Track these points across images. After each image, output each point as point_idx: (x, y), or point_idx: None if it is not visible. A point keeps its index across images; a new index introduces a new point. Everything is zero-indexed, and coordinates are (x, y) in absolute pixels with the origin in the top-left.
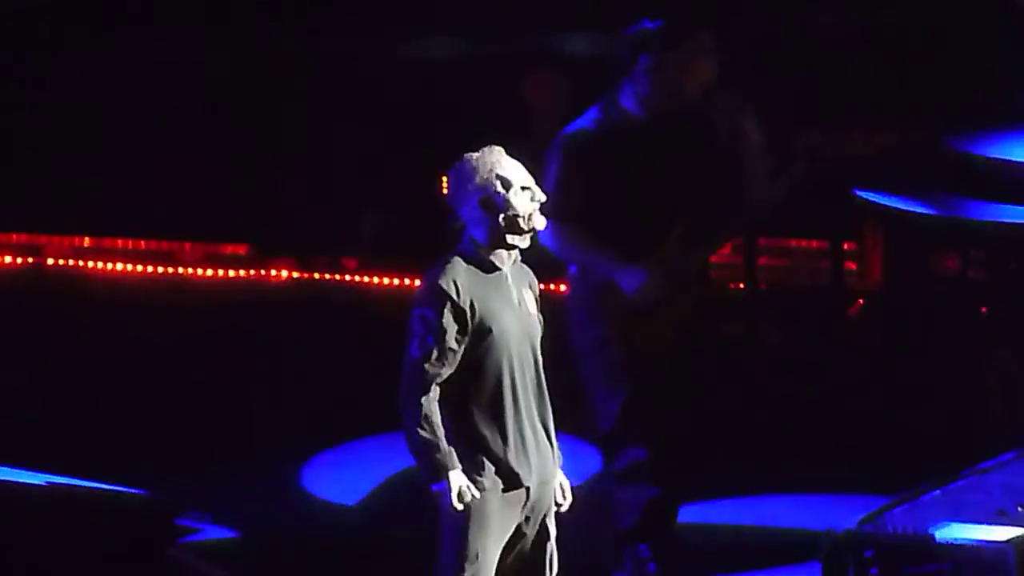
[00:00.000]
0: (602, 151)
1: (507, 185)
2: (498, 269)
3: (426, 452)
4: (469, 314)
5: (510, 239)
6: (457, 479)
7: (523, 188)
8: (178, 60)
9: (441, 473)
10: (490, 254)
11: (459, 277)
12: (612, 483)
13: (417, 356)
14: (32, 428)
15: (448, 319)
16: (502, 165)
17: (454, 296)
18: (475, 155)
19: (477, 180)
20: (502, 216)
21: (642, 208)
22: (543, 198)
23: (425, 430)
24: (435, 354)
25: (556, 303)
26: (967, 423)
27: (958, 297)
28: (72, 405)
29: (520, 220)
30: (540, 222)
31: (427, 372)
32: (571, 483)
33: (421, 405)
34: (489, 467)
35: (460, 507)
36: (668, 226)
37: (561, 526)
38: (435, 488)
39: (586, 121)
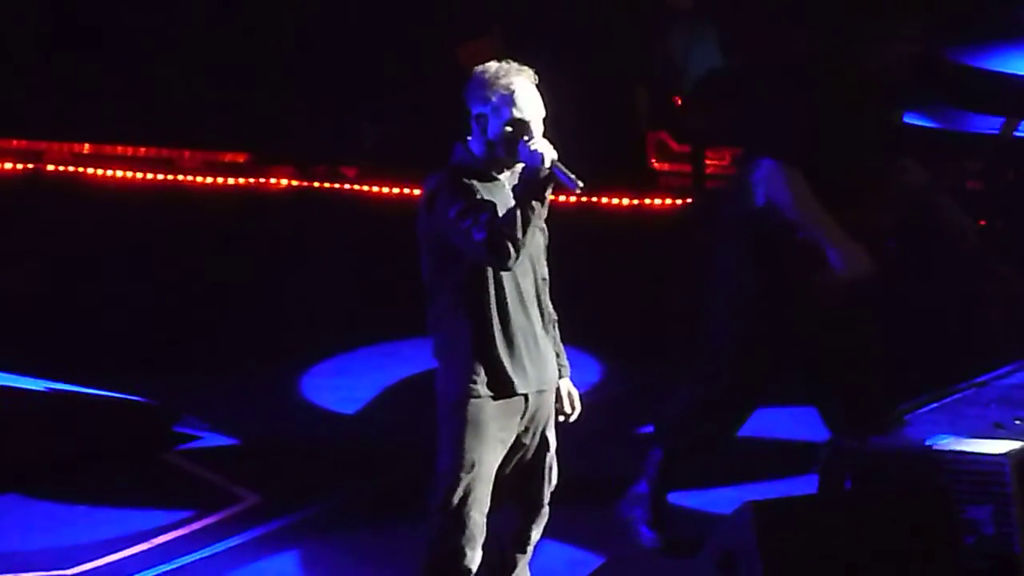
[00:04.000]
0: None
1: (502, 112)
2: (495, 178)
3: (520, 210)
4: None
5: (494, 163)
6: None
7: (519, 120)
8: None
9: (536, 181)
10: (484, 166)
11: (465, 178)
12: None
13: (483, 236)
14: (32, 335)
15: (478, 195)
16: (510, 89)
17: (473, 183)
18: (492, 68)
19: (481, 95)
20: (489, 140)
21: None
22: (538, 134)
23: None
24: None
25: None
26: (965, 336)
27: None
28: (71, 312)
29: (501, 149)
30: (533, 156)
31: (495, 234)
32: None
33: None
34: (484, 374)
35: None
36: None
37: (562, 437)
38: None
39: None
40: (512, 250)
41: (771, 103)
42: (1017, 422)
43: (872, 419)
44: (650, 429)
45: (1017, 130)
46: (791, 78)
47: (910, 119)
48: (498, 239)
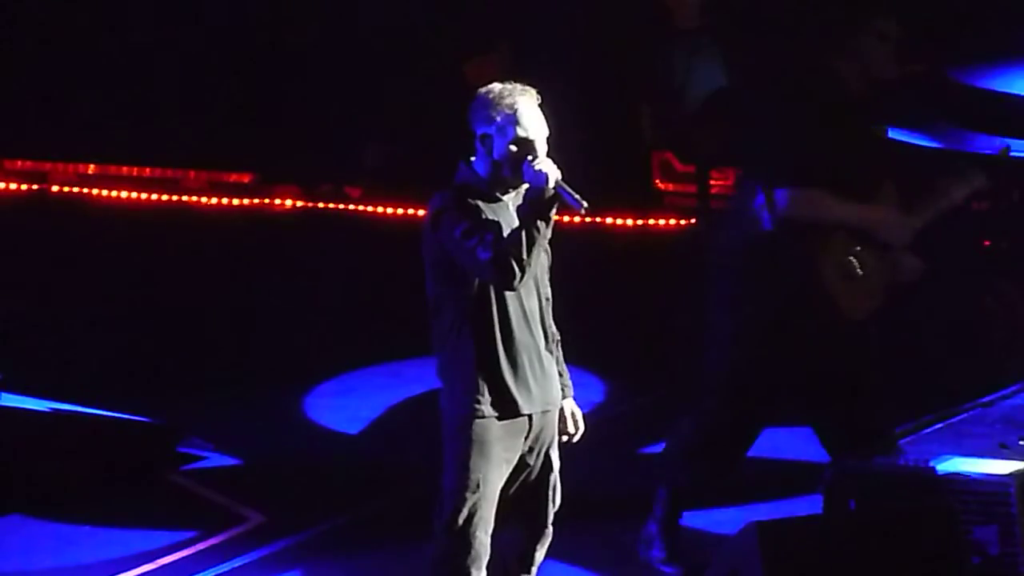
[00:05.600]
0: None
1: (507, 132)
2: (499, 199)
3: (525, 231)
4: None
5: (499, 183)
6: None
7: (523, 140)
8: None
9: (541, 201)
10: (488, 186)
11: (469, 198)
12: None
13: (488, 256)
14: (36, 355)
15: (483, 216)
16: (514, 109)
17: (478, 203)
18: (496, 89)
19: (485, 115)
20: (494, 160)
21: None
22: (542, 154)
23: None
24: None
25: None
26: (969, 356)
27: (961, 230)
28: (76, 332)
29: (506, 169)
30: (538, 176)
31: (500, 255)
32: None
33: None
34: (488, 394)
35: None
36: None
37: (566, 457)
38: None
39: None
40: (517, 271)
41: (762, 127)
42: (1022, 442)
43: (870, 443)
44: (654, 448)
45: None
46: (777, 99)
47: (912, 139)
48: (503, 260)
